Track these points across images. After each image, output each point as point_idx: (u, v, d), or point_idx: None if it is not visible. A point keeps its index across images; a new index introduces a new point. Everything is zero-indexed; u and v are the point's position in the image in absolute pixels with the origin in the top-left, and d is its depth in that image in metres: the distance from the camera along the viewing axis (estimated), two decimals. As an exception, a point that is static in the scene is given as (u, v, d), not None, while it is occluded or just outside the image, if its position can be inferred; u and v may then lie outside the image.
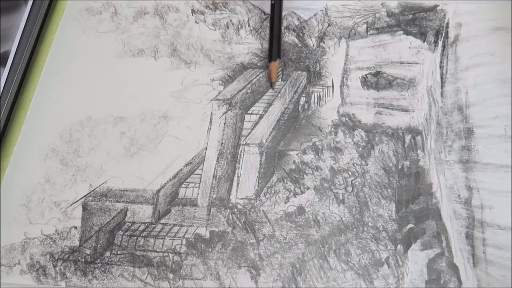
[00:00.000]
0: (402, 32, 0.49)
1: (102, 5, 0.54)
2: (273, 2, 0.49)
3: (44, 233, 0.44)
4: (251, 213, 0.43)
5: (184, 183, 0.44)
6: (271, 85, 0.48)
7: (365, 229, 0.41)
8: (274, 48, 0.48)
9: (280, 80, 0.49)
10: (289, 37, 0.51)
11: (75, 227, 0.44)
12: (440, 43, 0.48)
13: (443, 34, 0.48)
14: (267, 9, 0.52)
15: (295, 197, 0.43)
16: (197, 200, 0.44)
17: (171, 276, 0.41)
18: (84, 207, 0.44)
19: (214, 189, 0.44)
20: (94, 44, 0.52)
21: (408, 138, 0.45)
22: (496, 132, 0.44)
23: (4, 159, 0.47)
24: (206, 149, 0.46)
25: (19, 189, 0.46)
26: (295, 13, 0.52)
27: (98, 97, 0.49)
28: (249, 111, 0.48)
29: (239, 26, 0.52)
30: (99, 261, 0.42)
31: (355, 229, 0.41)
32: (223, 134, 0.46)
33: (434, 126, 0.45)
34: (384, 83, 0.47)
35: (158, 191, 0.44)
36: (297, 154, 0.45)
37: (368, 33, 0.50)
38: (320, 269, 0.40)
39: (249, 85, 0.49)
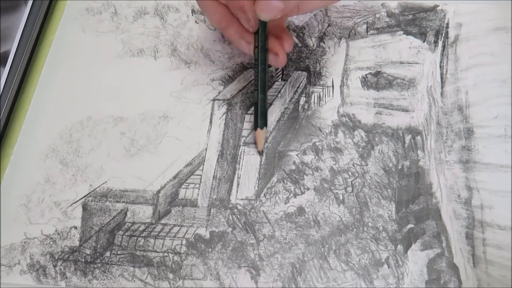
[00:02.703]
0: (402, 32, 0.49)
1: (102, 5, 0.54)
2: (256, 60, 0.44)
3: (44, 233, 0.44)
4: (251, 213, 0.43)
5: (184, 184, 0.44)
6: (259, 153, 0.45)
7: (365, 229, 0.41)
8: (260, 115, 0.44)
9: (280, 80, 0.49)
10: (289, 37, 0.50)
11: (75, 227, 0.44)
12: (440, 43, 0.48)
13: (443, 34, 0.48)
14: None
15: (295, 197, 0.43)
16: (197, 200, 0.44)
17: (171, 276, 0.41)
18: (84, 207, 0.44)
19: (214, 189, 0.44)
20: (94, 44, 0.52)
21: (408, 138, 0.45)
22: (496, 132, 0.44)
23: (4, 159, 0.47)
24: (206, 149, 0.46)
25: (19, 189, 0.46)
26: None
27: (98, 97, 0.49)
28: (249, 111, 0.48)
29: (239, 26, 0.52)
30: (99, 261, 0.42)
31: (355, 229, 0.41)
32: (223, 134, 0.46)
33: (434, 126, 0.45)
34: (384, 83, 0.47)
35: (158, 191, 0.44)
36: (297, 155, 0.45)
37: (368, 33, 0.50)
38: (320, 269, 0.40)
39: (249, 85, 0.49)
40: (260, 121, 0.44)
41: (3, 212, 0.45)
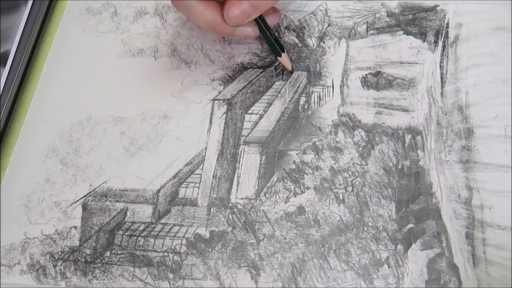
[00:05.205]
0: (402, 32, 0.49)
1: (102, 5, 0.54)
2: None
3: (44, 233, 0.44)
4: (251, 213, 0.43)
5: (184, 183, 0.45)
6: (292, 72, 0.49)
7: (365, 229, 0.41)
8: (274, 44, 0.47)
9: (280, 80, 0.49)
10: (289, 37, 0.50)
11: (75, 227, 0.44)
12: (440, 43, 0.48)
13: (443, 34, 0.48)
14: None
15: (295, 197, 0.43)
16: (197, 200, 0.44)
17: (171, 276, 0.41)
18: (84, 207, 0.44)
19: (214, 189, 0.44)
20: (94, 44, 0.52)
21: (408, 138, 0.45)
22: (496, 132, 0.44)
23: (4, 159, 0.47)
24: (206, 149, 0.46)
25: (19, 189, 0.46)
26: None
27: (98, 97, 0.49)
28: (249, 111, 0.48)
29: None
30: (99, 261, 0.42)
31: (355, 229, 0.41)
32: (223, 133, 0.46)
33: (434, 126, 0.45)
34: (384, 83, 0.47)
35: (158, 191, 0.44)
36: (297, 154, 0.45)
37: (368, 33, 0.50)
38: (320, 269, 0.40)
39: (249, 85, 0.49)
40: (278, 48, 0.47)
41: (3, 212, 0.45)
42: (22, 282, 0.42)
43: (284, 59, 0.48)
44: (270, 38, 0.47)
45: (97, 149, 0.47)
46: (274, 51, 0.48)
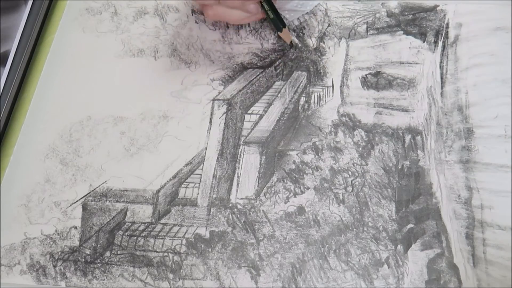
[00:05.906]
0: (402, 32, 0.49)
1: (102, 5, 0.54)
2: None
3: (44, 233, 0.44)
4: (251, 213, 0.43)
5: (184, 183, 0.45)
6: (291, 46, 0.50)
7: (365, 229, 0.41)
8: (279, 19, 0.49)
9: (280, 80, 0.49)
10: (289, 37, 0.50)
11: (75, 227, 0.44)
12: (440, 43, 0.48)
13: (443, 34, 0.48)
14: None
15: (295, 197, 0.43)
16: (197, 200, 0.44)
17: (171, 276, 0.41)
18: (84, 207, 0.44)
19: (214, 189, 0.44)
20: (94, 44, 0.52)
21: (408, 138, 0.45)
22: (496, 132, 0.44)
23: (4, 159, 0.47)
24: (206, 149, 0.46)
25: (19, 189, 0.46)
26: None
27: (98, 97, 0.49)
28: (249, 111, 0.48)
29: (239, 26, 0.52)
30: (99, 261, 0.42)
31: (355, 229, 0.41)
32: (223, 134, 0.46)
33: (434, 126, 0.45)
34: (384, 83, 0.47)
35: (158, 191, 0.44)
36: (297, 154, 0.45)
37: (368, 33, 0.50)
38: (320, 269, 0.40)
39: (249, 85, 0.49)
40: (280, 23, 0.49)
41: (3, 212, 0.45)
42: (22, 282, 0.42)
43: (284, 34, 0.49)
44: (270, 15, 0.48)
45: (97, 149, 0.47)
46: (276, 26, 0.49)
